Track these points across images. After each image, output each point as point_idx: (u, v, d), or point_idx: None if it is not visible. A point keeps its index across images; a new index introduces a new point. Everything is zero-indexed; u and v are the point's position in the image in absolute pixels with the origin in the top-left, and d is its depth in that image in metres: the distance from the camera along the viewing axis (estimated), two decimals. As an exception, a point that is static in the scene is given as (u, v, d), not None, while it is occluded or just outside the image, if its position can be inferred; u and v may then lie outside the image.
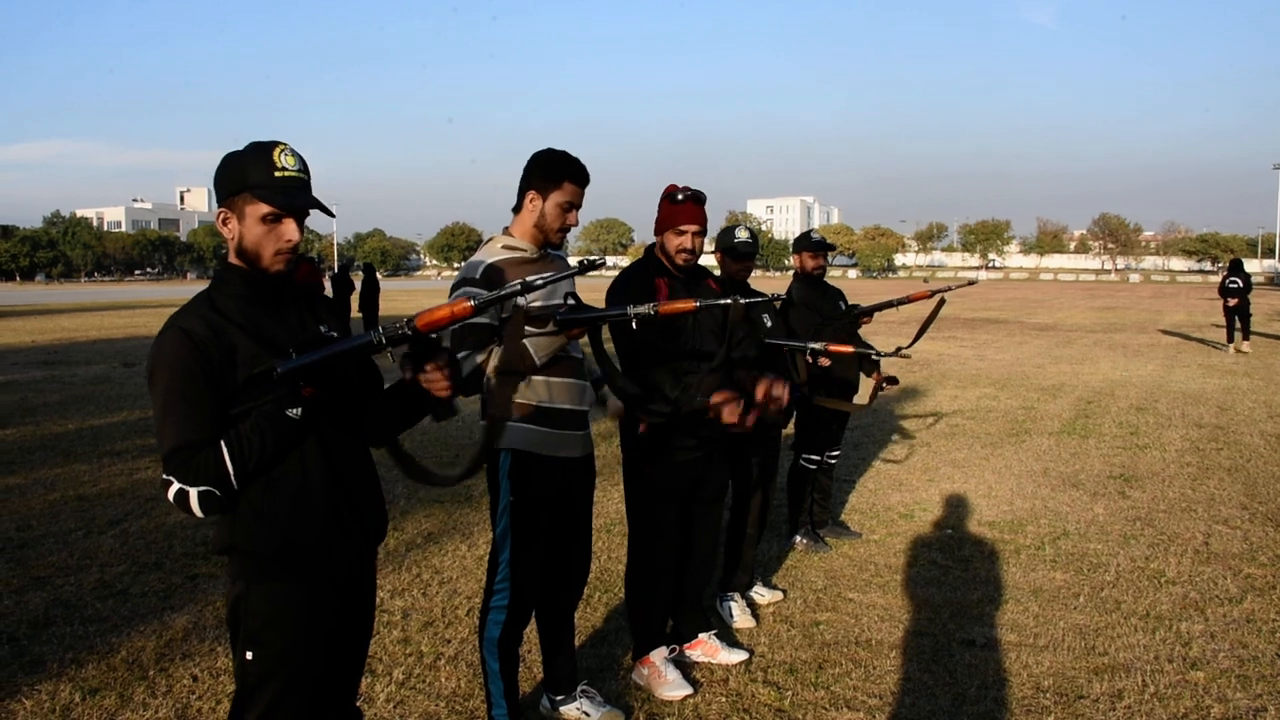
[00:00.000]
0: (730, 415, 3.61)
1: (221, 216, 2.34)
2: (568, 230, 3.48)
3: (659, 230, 4.03)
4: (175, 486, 2.19)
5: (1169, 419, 10.89)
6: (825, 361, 5.26)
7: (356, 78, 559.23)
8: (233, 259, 2.35)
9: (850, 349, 5.16)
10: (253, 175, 2.27)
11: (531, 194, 3.43)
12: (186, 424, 2.18)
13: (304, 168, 2.33)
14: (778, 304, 4.12)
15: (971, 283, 7.71)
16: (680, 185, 3.99)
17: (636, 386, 3.76)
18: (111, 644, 4.46)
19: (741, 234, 4.84)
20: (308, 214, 2.35)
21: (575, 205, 3.46)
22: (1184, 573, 5.55)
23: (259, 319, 2.31)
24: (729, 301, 3.07)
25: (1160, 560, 5.78)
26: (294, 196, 2.29)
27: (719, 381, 3.81)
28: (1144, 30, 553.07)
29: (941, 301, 6.07)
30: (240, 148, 2.33)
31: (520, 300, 2.53)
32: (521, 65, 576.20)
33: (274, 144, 2.30)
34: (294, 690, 2.36)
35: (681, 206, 3.96)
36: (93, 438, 9.54)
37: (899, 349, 6.34)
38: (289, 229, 2.30)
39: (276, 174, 2.27)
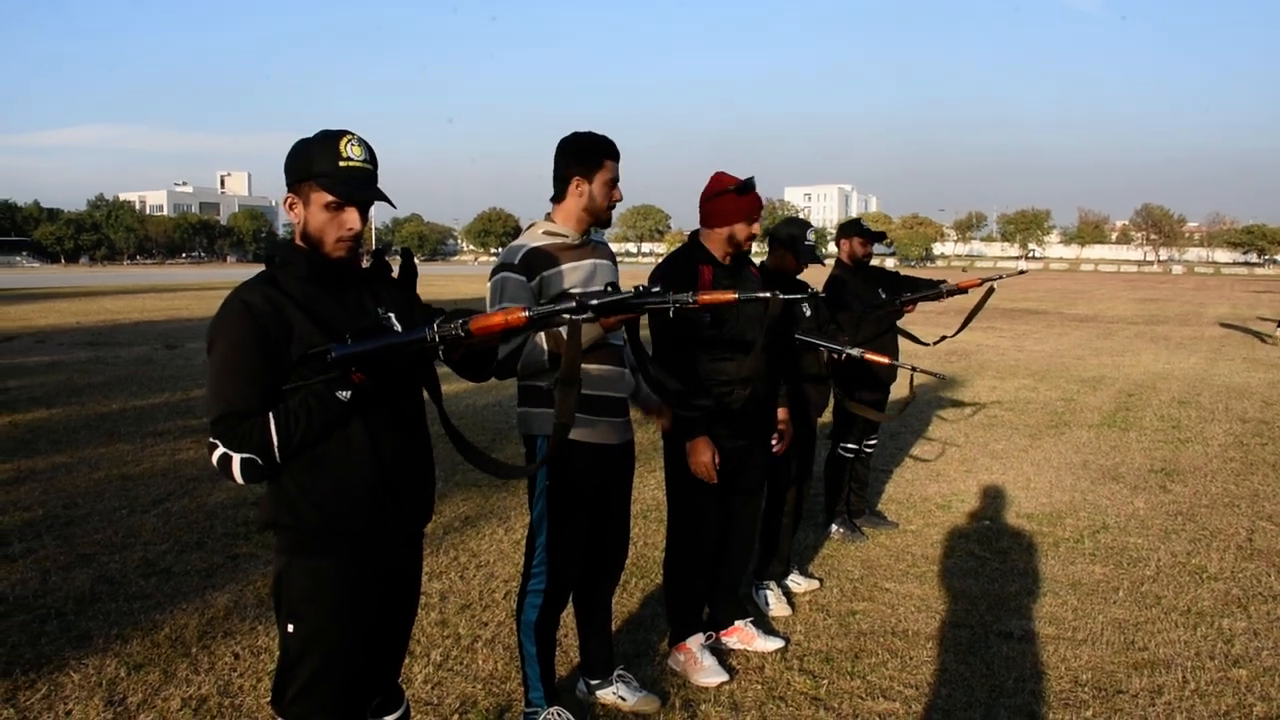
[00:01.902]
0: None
1: (289, 201, 2.39)
2: (614, 206, 3.52)
3: (728, 221, 3.98)
4: (220, 451, 2.24)
5: (1212, 413, 10.74)
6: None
7: (396, 63, 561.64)
8: (297, 241, 2.40)
9: (886, 360, 5.12)
10: (318, 164, 2.31)
11: (576, 180, 3.44)
12: (238, 392, 2.24)
13: (370, 158, 2.36)
14: (819, 298, 4.13)
15: (1022, 272, 7.60)
16: (729, 174, 4.00)
17: (674, 380, 3.77)
18: (155, 621, 4.53)
19: (812, 237, 4.87)
20: (371, 203, 2.38)
21: (619, 180, 3.50)
22: (1226, 569, 5.49)
23: (320, 299, 2.35)
24: (768, 295, 3.05)
25: (1202, 556, 5.71)
26: (357, 188, 2.33)
27: (759, 366, 3.83)
28: (1190, 18, 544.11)
29: (990, 290, 5.98)
30: (310, 135, 2.37)
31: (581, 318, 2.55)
32: (552, 53, 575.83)
33: (342, 133, 2.33)
34: (333, 665, 2.40)
35: (752, 197, 3.99)
36: (136, 418, 9.68)
37: (943, 337, 6.28)
38: (351, 218, 2.34)
39: (341, 164, 2.31)
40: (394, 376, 2.40)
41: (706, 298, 2.91)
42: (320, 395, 2.25)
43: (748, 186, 3.97)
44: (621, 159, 3.53)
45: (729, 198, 3.97)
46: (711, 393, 3.89)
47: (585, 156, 3.43)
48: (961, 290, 5.97)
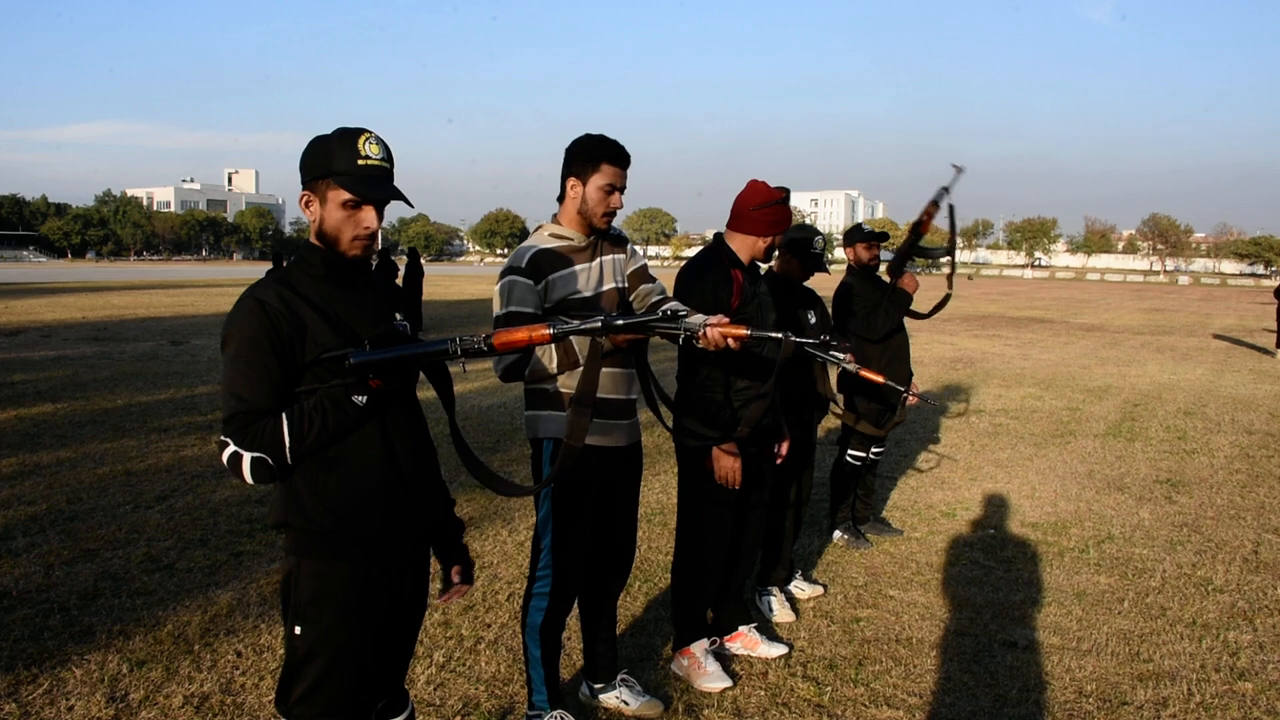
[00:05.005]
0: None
1: (304, 199, 2.38)
2: (613, 214, 3.43)
3: (768, 231, 4.02)
4: (231, 449, 2.24)
5: (1218, 424, 10.71)
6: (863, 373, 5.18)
7: (406, 63, 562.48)
8: (313, 239, 2.40)
9: (880, 379, 5.10)
10: (337, 162, 2.31)
11: (572, 180, 3.40)
12: (251, 390, 2.24)
13: (388, 156, 2.36)
14: (829, 341, 4.14)
15: (959, 170, 6.16)
16: (763, 181, 4.04)
17: (682, 412, 3.79)
18: (158, 617, 4.53)
19: (818, 244, 4.94)
20: (388, 202, 2.38)
21: (617, 187, 3.39)
22: (1232, 581, 5.47)
23: (334, 298, 2.36)
24: (780, 336, 3.01)
25: (1208, 567, 5.69)
26: (374, 186, 2.33)
27: (765, 408, 3.88)
28: (1201, 27, 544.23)
29: (951, 207, 5.38)
30: (328, 132, 2.37)
31: (602, 340, 2.56)
32: (559, 54, 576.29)
33: (360, 131, 2.33)
34: (339, 667, 2.39)
35: (789, 208, 4.06)
36: (141, 414, 9.69)
37: (947, 295, 5.86)
38: (368, 216, 2.34)
39: (359, 162, 2.31)
40: (410, 381, 2.41)
41: (716, 332, 2.90)
42: (336, 399, 2.26)
43: (786, 198, 4.00)
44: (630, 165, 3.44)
45: (776, 209, 4.00)
46: (722, 415, 3.88)
47: (583, 157, 3.37)
48: (926, 223, 5.43)
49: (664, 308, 2.93)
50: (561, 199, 3.47)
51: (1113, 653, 4.45)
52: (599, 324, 2.38)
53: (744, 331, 2.90)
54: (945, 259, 5.81)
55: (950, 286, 5.78)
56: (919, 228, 5.43)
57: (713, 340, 2.91)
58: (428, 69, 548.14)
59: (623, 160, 3.39)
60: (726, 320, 2.97)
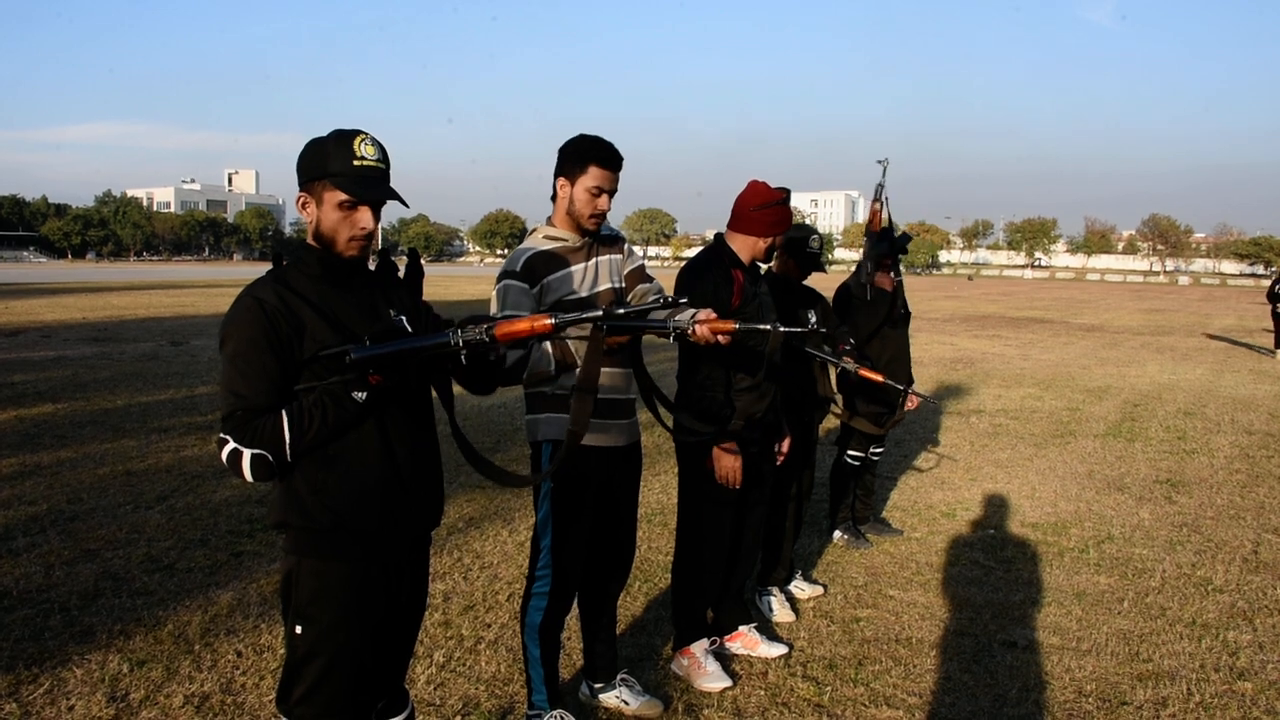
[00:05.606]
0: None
1: (301, 200, 2.39)
2: (600, 216, 3.40)
3: (768, 231, 4.03)
4: (230, 446, 2.24)
5: (1218, 424, 10.71)
6: (863, 372, 5.19)
7: (407, 64, 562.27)
8: (310, 240, 2.41)
9: (879, 378, 5.11)
10: (333, 163, 2.31)
11: (561, 181, 3.40)
12: (250, 387, 2.24)
13: (383, 157, 2.37)
14: (819, 330, 4.15)
15: (884, 163, 5.84)
16: (764, 182, 4.06)
17: (680, 411, 3.79)
18: (159, 617, 4.53)
19: (814, 243, 4.96)
20: (384, 203, 2.38)
21: (605, 190, 3.37)
22: (1232, 581, 5.47)
23: (331, 297, 2.36)
24: (768, 328, 3.02)
25: (1207, 567, 5.70)
26: (370, 187, 2.33)
27: (759, 400, 3.93)
28: (1201, 27, 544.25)
29: (886, 199, 5.63)
30: (324, 134, 2.38)
31: (601, 328, 2.57)
32: (560, 54, 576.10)
33: (355, 133, 2.34)
34: (340, 666, 2.39)
35: (789, 208, 4.08)
36: (141, 414, 9.69)
37: (903, 235, 5.86)
38: (364, 217, 2.35)
39: (355, 163, 2.31)
40: (409, 378, 2.41)
41: (705, 329, 2.90)
42: (336, 395, 2.26)
43: (786, 199, 4.01)
44: (626, 164, 3.41)
45: (777, 209, 4.00)
46: (723, 414, 3.88)
47: (572, 158, 3.37)
48: (875, 215, 5.63)
49: (663, 297, 2.92)
50: (554, 199, 3.47)
51: (1112, 653, 4.45)
52: (600, 313, 2.39)
53: (732, 325, 2.91)
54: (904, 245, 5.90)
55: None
56: (871, 229, 5.66)
57: (702, 336, 2.92)
58: (428, 69, 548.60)
59: (612, 163, 3.37)
60: (714, 315, 2.98)
